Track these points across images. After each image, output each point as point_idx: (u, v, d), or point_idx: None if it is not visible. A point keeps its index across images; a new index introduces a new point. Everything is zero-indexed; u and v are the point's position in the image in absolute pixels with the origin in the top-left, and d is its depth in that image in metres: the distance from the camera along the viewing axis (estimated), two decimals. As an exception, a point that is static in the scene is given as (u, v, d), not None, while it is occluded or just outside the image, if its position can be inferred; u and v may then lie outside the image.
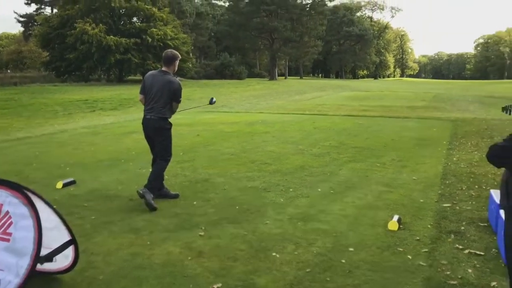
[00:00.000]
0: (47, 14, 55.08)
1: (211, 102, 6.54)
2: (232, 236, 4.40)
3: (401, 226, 4.57)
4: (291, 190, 5.98)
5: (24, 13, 64.80)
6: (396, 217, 4.70)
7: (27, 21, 63.43)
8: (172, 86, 5.42)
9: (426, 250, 4.02)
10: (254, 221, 4.80)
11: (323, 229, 4.56)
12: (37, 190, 6.11)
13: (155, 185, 5.45)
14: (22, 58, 59.26)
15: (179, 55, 5.67)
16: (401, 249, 4.04)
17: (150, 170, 5.64)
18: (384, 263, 3.77)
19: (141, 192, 5.27)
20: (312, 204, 5.38)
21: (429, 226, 4.63)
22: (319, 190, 5.97)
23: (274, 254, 3.95)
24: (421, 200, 5.50)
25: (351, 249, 4.05)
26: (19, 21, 64.97)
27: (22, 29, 66.48)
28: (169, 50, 5.73)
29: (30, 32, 59.50)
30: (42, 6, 64.51)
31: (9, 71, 58.55)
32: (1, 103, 25.13)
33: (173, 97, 5.46)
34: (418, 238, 4.30)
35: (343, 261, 3.81)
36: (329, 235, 4.39)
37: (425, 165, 7.47)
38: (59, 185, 6.24)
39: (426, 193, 5.83)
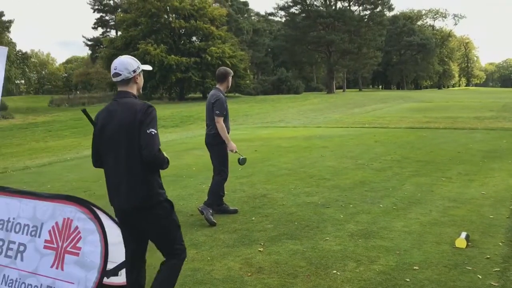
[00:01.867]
0: (112, 37, 58.07)
1: (241, 162, 5.53)
2: (292, 252, 4.36)
3: (469, 244, 4.34)
4: (351, 206, 5.86)
5: (92, 36, 68.61)
6: (464, 234, 4.46)
7: (94, 44, 67.17)
8: (212, 99, 5.46)
9: (498, 269, 3.78)
10: (314, 237, 4.73)
11: (386, 246, 4.41)
12: (103, 205, 6.42)
13: (213, 201, 5.53)
14: (89, 79, 62.87)
15: (231, 72, 5.72)
16: (469, 268, 3.82)
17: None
18: (452, 283, 3.58)
19: (200, 208, 5.39)
20: (373, 220, 5.23)
21: (500, 243, 4.36)
22: (381, 206, 5.80)
23: (334, 271, 3.87)
24: (491, 216, 5.19)
25: (415, 267, 3.89)
26: (87, 45, 69.01)
27: (89, 52, 70.51)
28: (222, 67, 5.82)
29: (96, 54, 62.92)
30: (108, 30, 68.22)
31: (78, 92, 62.21)
32: (72, 123, 26.73)
33: (213, 110, 5.45)
34: (488, 256, 4.05)
35: (408, 280, 3.66)
36: (392, 253, 4.24)
37: (495, 179, 7.07)
38: (124, 201, 6.47)
39: (496, 208, 5.50)
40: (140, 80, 3.07)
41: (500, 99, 35.83)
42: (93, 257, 3.22)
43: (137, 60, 3.04)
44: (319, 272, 3.88)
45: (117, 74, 2.96)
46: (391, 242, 4.51)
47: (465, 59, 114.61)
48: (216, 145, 5.54)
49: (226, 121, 5.55)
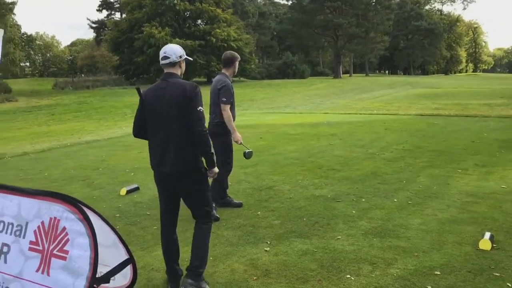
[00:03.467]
0: (116, 19, 57.36)
1: (246, 156, 5.13)
2: (301, 252, 4.02)
3: (494, 245, 3.98)
4: (363, 200, 5.50)
5: (96, 19, 67.86)
6: (487, 235, 4.11)
7: (99, 26, 66.36)
8: (218, 85, 5.05)
9: (529, 276, 3.44)
10: (324, 236, 4.39)
11: (403, 247, 4.07)
12: (102, 196, 6.11)
13: (217, 194, 5.19)
14: (94, 62, 62.40)
15: (238, 56, 5.29)
16: (497, 274, 3.48)
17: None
18: (478, 292, 3.24)
19: None
20: (388, 216, 4.88)
21: (528, 245, 4.00)
22: (395, 200, 5.45)
23: (348, 276, 3.54)
24: (515, 214, 4.83)
25: (437, 272, 3.55)
26: (91, 27, 68.16)
27: (94, 34, 69.71)
28: (229, 51, 5.38)
29: (101, 37, 62.23)
30: (112, 12, 67.33)
31: (83, 75, 61.82)
32: (75, 106, 26.44)
33: (219, 97, 5.04)
34: (516, 260, 3.70)
35: (429, 287, 3.33)
36: (410, 255, 3.90)
37: (514, 171, 6.68)
38: (123, 191, 6.16)
39: (519, 205, 5.13)
40: (183, 66, 3.53)
41: (510, 85, 35.18)
42: (82, 262, 2.88)
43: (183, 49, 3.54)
44: (331, 277, 3.55)
45: (166, 57, 3.40)
46: (408, 242, 4.17)
47: (473, 44, 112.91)
48: (221, 135, 5.13)
49: (232, 109, 5.16)
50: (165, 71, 3.45)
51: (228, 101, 5.02)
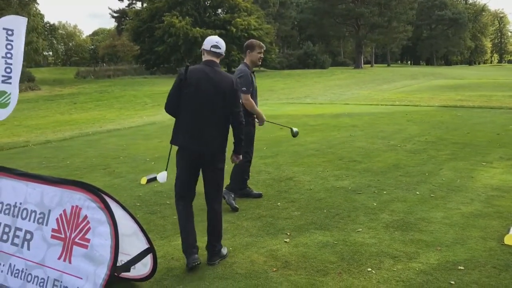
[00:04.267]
0: (137, 9, 57.58)
1: (295, 134, 5.60)
2: (321, 244, 3.99)
3: (520, 241, 3.88)
4: (384, 192, 5.42)
5: (118, 8, 68.19)
6: (513, 230, 4.02)
7: (120, 16, 66.69)
8: (236, 75, 4.96)
9: (556, 273, 3.34)
10: (345, 228, 4.35)
11: (425, 240, 3.99)
12: (123, 185, 6.16)
13: (236, 185, 5.17)
14: (115, 52, 62.85)
15: (255, 43, 5.14)
16: (523, 271, 3.39)
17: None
18: (504, 288, 3.16)
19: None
20: (410, 210, 4.80)
21: (555, 242, 3.88)
22: (418, 193, 5.35)
23: (369, 269, 3.49)
24: (542, 209, 4.70)
25: (460, 267, 3.48)
26: (113, 17, 68.60)
27: (115, 24, 70.16)
28: (251, 39, 5.39)
29: (122, 26, 62.62)
30: (133, 1, 67.58)
31: (104, 64, 62.39)
32: (97, 95, 26.72)
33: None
34: (543, 257, 3.60)
35: (452, 282, 3.26)
36: (432, 249, 3.82)
37: (542, 165, 6.50)
38: (143, 180, 6.20)
39: (546, 199, 4.99)
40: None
41: (537, 76, 34.27)
42: (103, 251, 2.91)
43: None
44: (352, 270, 3.50)
45: (218, 47, 3.76)
46: (431, 236, 4.09)
47: (499, 34, 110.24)
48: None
49: (253, 97, 5.12)
50: (209, 58, 3.76)
51: (248, 91, 4.98)
